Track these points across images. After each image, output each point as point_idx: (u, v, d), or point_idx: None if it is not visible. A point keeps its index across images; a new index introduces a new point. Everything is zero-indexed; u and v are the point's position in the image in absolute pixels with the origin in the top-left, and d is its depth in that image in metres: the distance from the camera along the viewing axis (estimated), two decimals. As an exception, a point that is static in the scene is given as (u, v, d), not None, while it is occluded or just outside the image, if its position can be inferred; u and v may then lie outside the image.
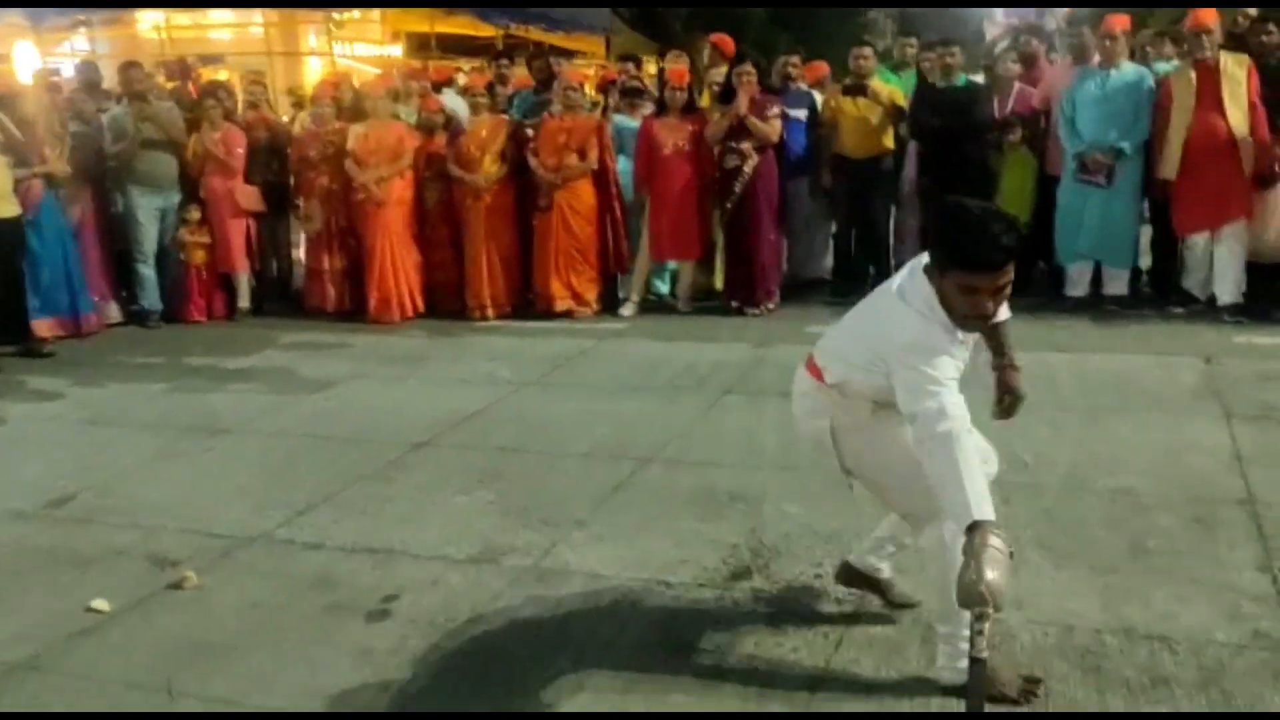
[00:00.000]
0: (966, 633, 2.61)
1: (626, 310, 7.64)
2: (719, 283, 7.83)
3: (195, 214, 7.92)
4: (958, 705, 2.58)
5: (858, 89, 7.46)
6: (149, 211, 7.81)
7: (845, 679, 2.79)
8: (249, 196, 8.00)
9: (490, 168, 7.56)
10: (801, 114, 7.72)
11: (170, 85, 9.01)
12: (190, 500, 4.31)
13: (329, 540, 3.85)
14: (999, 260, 2.47)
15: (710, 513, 3.93)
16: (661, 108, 7.63)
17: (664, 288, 8.05)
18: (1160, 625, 2.95)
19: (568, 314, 7.56)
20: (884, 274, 7.71)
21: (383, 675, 2.93)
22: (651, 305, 7.78)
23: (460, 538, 3.80)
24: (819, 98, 7.92)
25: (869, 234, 7.74)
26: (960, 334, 2.61)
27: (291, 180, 8.24)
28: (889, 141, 7.59)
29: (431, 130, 7.88)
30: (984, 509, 2.31)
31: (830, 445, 2.82)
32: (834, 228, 8.02)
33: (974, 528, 2.28)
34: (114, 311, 7.98)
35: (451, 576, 3.52)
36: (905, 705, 2.68)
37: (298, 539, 3.89)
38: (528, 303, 7.72)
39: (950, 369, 2.55)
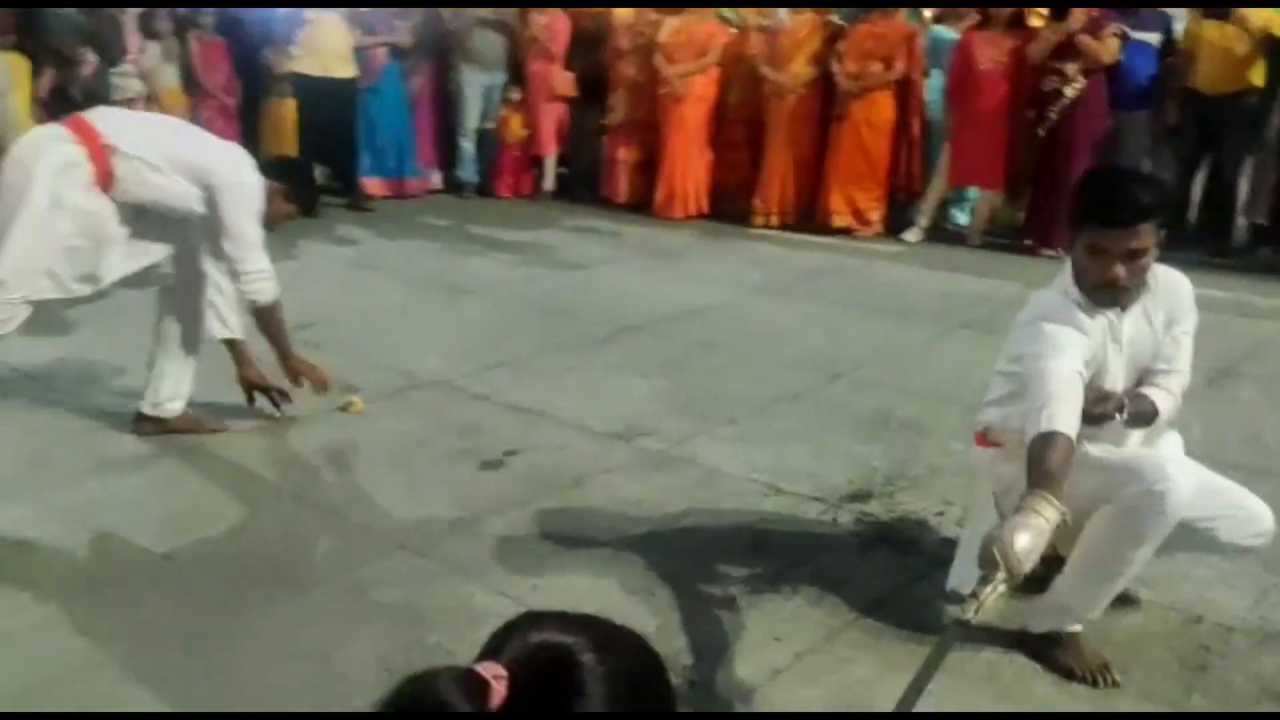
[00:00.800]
0: (1071, 604, 2.31)
1: (910, 235, 7.19)
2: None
3: (516, 95, 8.34)
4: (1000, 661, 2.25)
5: (1220, 11, 6.44)
6: (475, 88, 8.32)
7: (894, 621, 2.52)
8: (564, 82, 8.30)
9: (800, 69, 7.31)
10: (1152, 38, 6.78)
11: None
12: (403, 343, 4.62)
13: (495, 395, 3.99)
14: (1126, 217, 2.18)
15: (870, 435, 3.67)
16: (986, 20, 7.00)
17: (962, 218, 7.50)
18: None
19: (846, 231, 7.25)
20: (1225, 234, 6.74)
21: (462, 514, 3.02)
22: (942, 234, 7.27)
23: (610, 414, 3.80)
24: (1180, 22, 6.93)
25: (1214, 183, 6.75)
26: (1098, 315, 2.27)
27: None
28: (1257, 78, 6.52)
29: (746, 27, 7.73)
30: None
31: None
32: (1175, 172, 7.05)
33: (1034, 494, 1.97)
34: (435, 179, 8.65)
35: (580, 445, 3.54)
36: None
37: (470, 389, 4.06)
38: (811, 215, 7.46)
39: (1067, 340, 2.21)
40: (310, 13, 7.21)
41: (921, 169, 7.31)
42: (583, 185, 8.54)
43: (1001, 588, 1.89)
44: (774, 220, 7.50)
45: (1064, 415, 2.13)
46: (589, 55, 8.33)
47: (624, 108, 8.06)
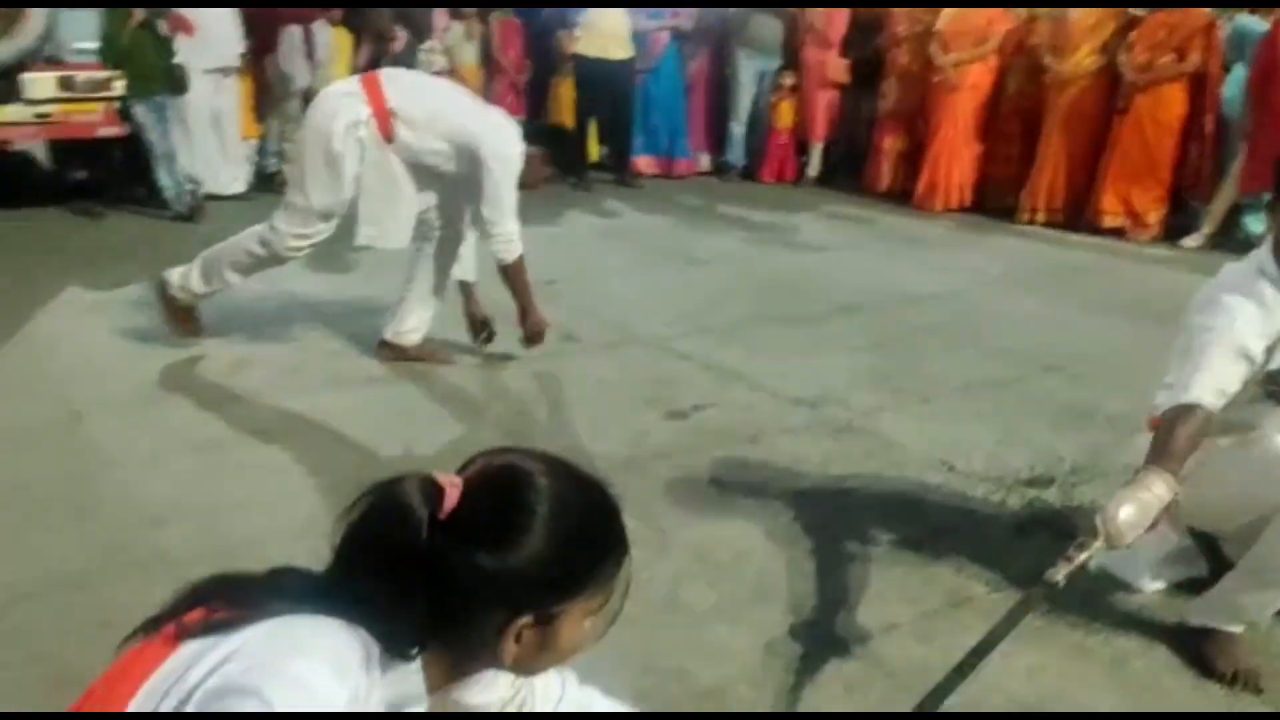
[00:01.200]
0: (1238, 603, 2.20)
1: (1191, 241, 6.69)
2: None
3: (789, 80, 8.45)
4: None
5: None
6: (750, 74, 8.50)
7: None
8: (838, 69, 8.32)
9: (1085, 59, 6.98)
10: None
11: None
12: (630, 303, 4.89)
13: (697, 355, 4.17)
14: None
15: (1068, 426, 3.55)
16: (1301, 12, 6.39)
17: (1256, 226, 6.86)
18: None
19: (1119, 232, 6.85)
20: None
21: (636, 454, 3.22)
22: (1230, 243, 6.70)
23: (806, 382, 3.88)
24: None
25: None
26: None
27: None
28: None
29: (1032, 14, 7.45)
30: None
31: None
32: None
33: (1149, 469, 1.92)
34: (704, 162, 8.91)
35: (765, 406, 3.65)
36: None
37: (675, 348, 4.26)
38: (1082, 213, 7.09)
39: (1244, 316, 2.11)
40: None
41: (1212, 171, 6.76)
42: (846, 173, 8.53)
43: (1095, 556, 1.87)
44: (1041, 217, 7.20)
45: (1207, 388, 2.04)
46: (866, 42, 8.30)
47: (895, 96, 7.98)
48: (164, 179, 6.22)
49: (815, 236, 6.62)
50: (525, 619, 1.08)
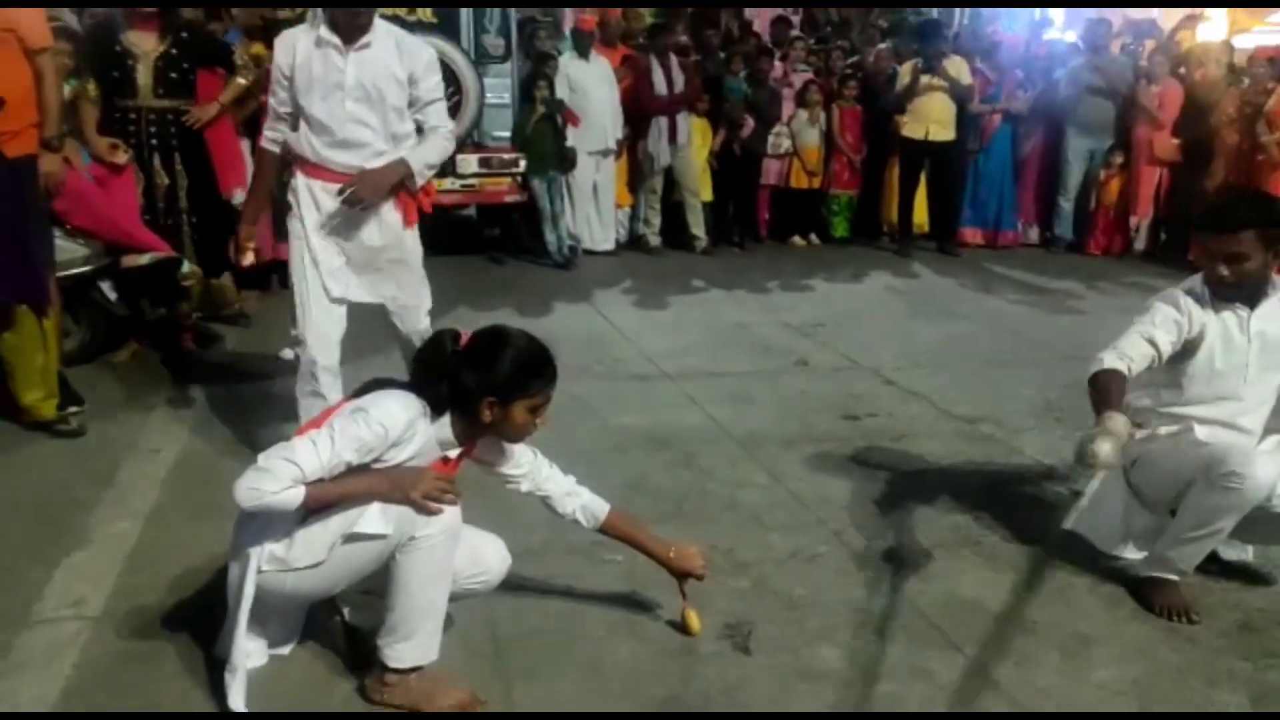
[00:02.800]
0: (1169, 557, 2.93)
1: None
2: None
3: (1118, 158, 8.82)
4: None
5: None
6: (1079, 152, 8.97)
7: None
8: (1168, 147, 8.57)
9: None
10: None
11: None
12: (875, 342, 5.82)
13: (901, 382, 5.05)
14: (1223, 223, 2.81)
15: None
16: None
17: None
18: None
19: None
20: None
21: (797, 437, 4.24)
22: None
23: (978, 409, 4.66)
24: None
25: None
26: (1224, 309, 2.89)
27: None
28: None
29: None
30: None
31: None
32: None
33: (1106, 414, 2.69)
34: (1032, 235, 9.43)
35: (927, 418, 4.52)
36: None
37: (886, 375, 5.17)
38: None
39: (1161, 318, 2.84)
40: (922, 89, 8.55)
41: None
42: (1176, 248, 8.68)
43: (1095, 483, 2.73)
44: None
45: (1115, 358, 2.80)
46: (1198, 123, 8.48)
47: (1222, 173, 8.11)
48: (549, 236, 8.04)
49: (1093, 300, 7.08)
50: (491, 399, 2.30)
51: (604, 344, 5.77)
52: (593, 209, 8.52)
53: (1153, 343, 2.86)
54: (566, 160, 8.06)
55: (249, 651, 2.45)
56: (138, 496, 3.57)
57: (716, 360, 5.47)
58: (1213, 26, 12.35)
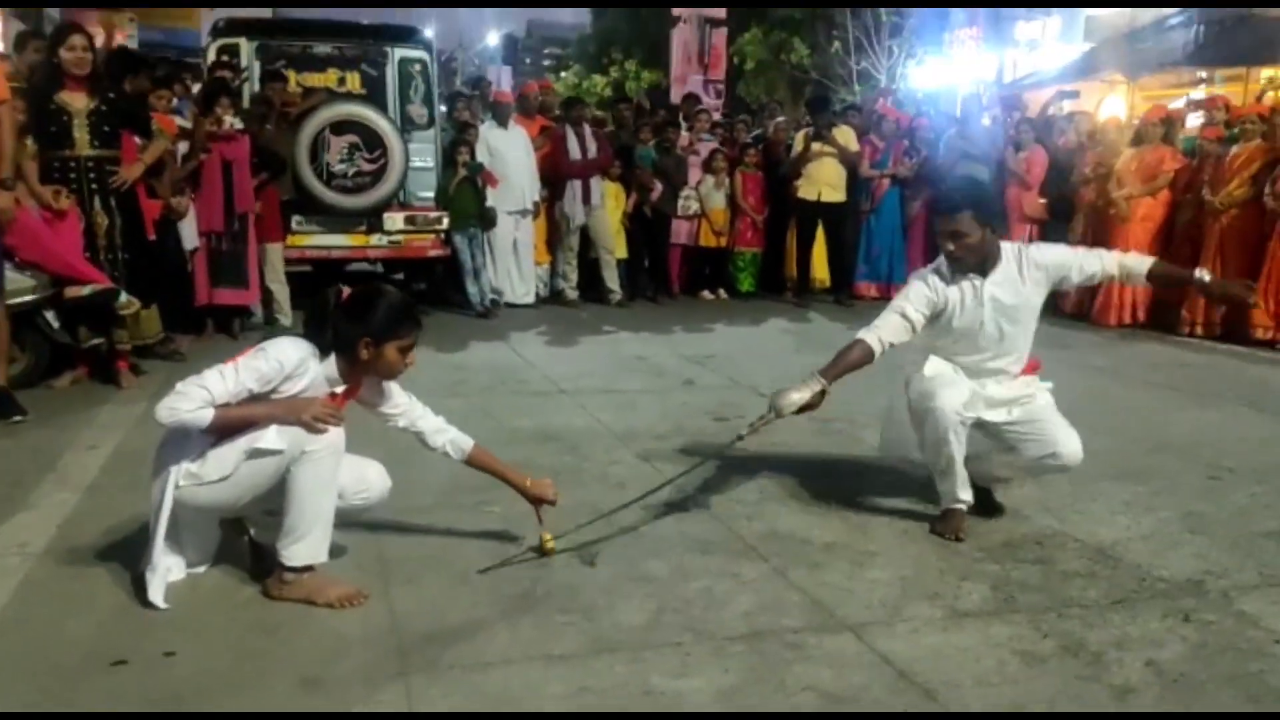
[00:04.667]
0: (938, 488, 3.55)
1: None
2: None
3: (993, 217, 9.67)
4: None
5: None
6: (958, 212, 9.80)
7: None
8: (1036, 207, 9.45)
9: (1235, 191, 7.78)
10: None
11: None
12: (755, 370, 6.46)
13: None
14: (944, 207, 3.55)
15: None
16: None
17: None
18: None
19: (1270, 343, 7.44)
20: None
21: (666, 433, 4.83)
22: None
23: (840, 411, 5.28)
24: None
25: None
26: (961, 280, 3.55)
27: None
28: None
29: (1196, 154, 8.31)
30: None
31: None
32: None
33: (813, 374, 3.41)
34: (922, 287, 10.22)
35: (800, 423, 5.12)
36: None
37: (762, 391, 5.79)
38: (1240, 328, 7.72)
39: (913, 293, 3.52)
40: (813, 154, 9.39)
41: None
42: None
43: (769, 421, 3.33)
44: (1200, 330, 7.90)
45: (867, 332, 3.45)
46: (1062, 182, 9.38)
47: (1081, 229, 8.98)
48: (471, 288, 8.65)
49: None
50: (367, 340, 2.87)
51: (512, 370, 6.36)
52: (513, 264, 9.18)
53: (904, 316, 3.52)
54: (487, 218, 8.72)
55: (169, 565, 2.97)
56: (76, 475, 4.07)
57: (612, 382, 6.08)
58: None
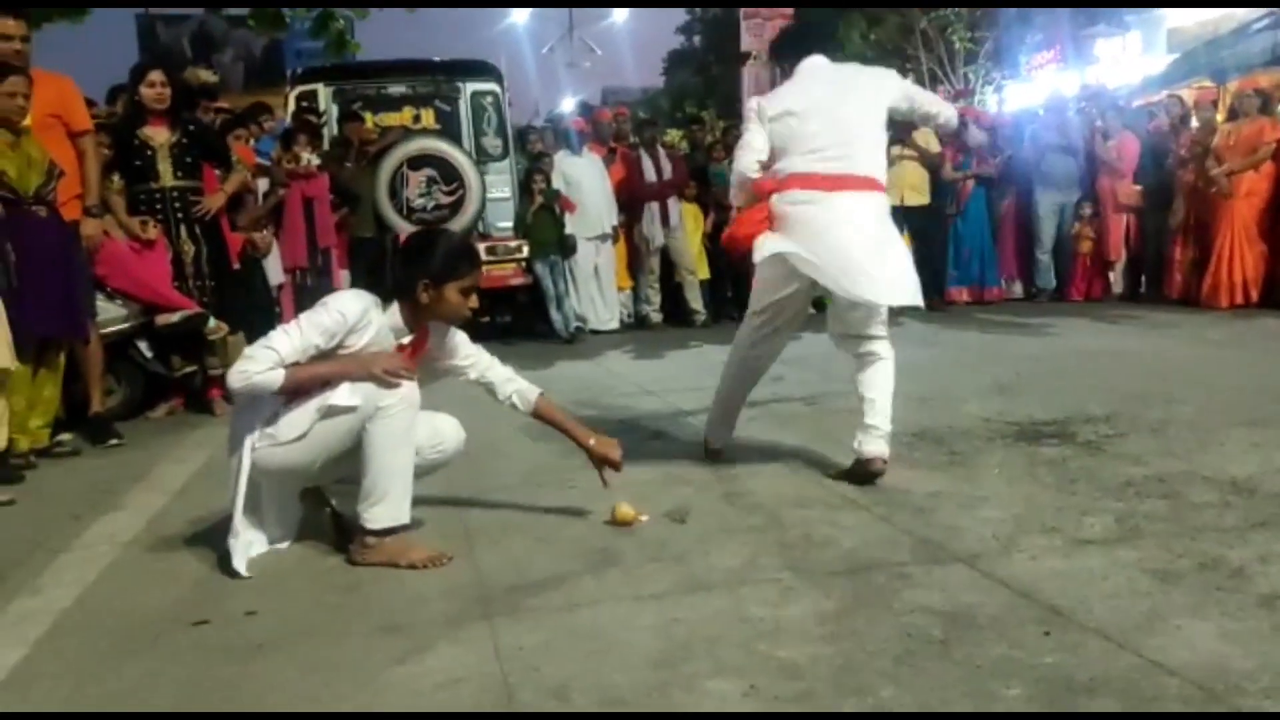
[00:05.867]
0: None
1: None
2: None
3: (1088, 209, 9.35)
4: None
5: None
6: (1049, 207, 9.51)
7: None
8: (1130, 194, 9.10)
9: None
10: None
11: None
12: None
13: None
14: None
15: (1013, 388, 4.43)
16: None
17: None
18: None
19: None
20: None
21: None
22: None
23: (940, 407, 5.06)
24: None
25: None
26: None
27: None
28: None
29: (1301, 122, 7.92)
30: None
31: None
32: None
33: None
34: (1017, 289, 9.90)
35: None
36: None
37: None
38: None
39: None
40: (893, 157, 9.21)
41: None
42: (1151, 285, 9.11)
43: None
44: (1317, 303, 7.45)
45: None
46: (1157, 169, 9.02)
47: (1183, 211, 8.60)
48: (555, 315, 8.63)
49: (1057, 329, 7.48)
50: (426, 282, 2.80)
51: (598, 380, 6.29)
52: (595, 290, 9.13)
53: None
54: (567, 246, 8.71)
55: (251, 539, 2.91)
56: (168, 482, 4.07)
57: (699, 381, 5.90)
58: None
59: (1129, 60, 23.78)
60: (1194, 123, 8.91)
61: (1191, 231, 8.54)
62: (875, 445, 3.39)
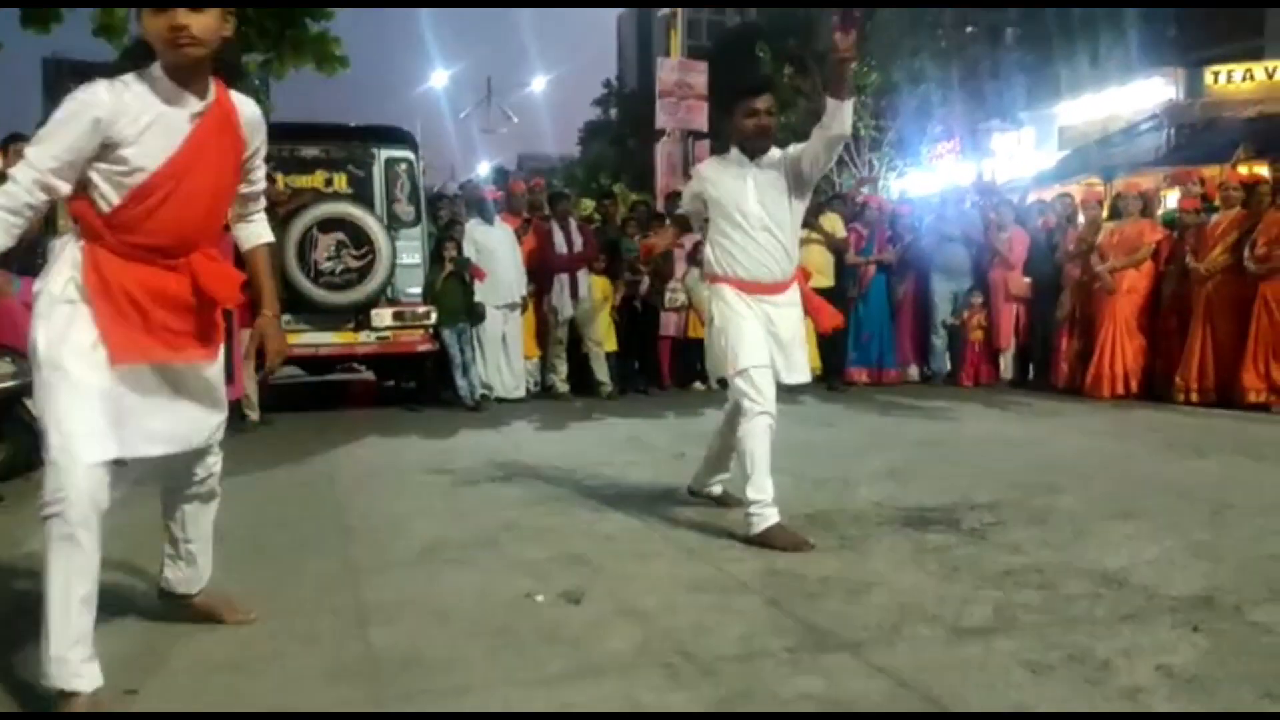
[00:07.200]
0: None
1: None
2: None
3: (978, 298, 9.74)
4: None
5: None
6: (944, 294, 9.88)
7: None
8: (1020, 285, 9.52)
9: (1218, 257, 7.84)
10: None
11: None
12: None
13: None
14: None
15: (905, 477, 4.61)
16: None
17: None
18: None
19: (1264, 406, 7.38)
20: None
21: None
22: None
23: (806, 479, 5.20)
24: None
25: None
26: None
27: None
28: None
29: (1177, 226, 8.42)
30: None
31: None
32: None
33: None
34: (913, 372, 10.22)
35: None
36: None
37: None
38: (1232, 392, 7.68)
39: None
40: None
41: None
42: (1038, 374, 9.50)
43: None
44: (1194, 396, 7.85)
45: None
46: (1044, 262, 9.46)
47: (1069, 304, 9.02)
48: (460, 382, 8.61)
49: (954, 413, 7.75)
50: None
51: (501, 450, 6.27)
52: (503, 359, 9.15)
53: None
54: (475, 313, 8.73)
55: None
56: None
57: (603, 456, 5.99)
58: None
59: (1023, 154, 24.98)
60: (1081, 220, 9.39)
61: (1077, 324, 8.95)
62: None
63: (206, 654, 2.75)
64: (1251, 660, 2.59)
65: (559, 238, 9.21)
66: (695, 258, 9.82)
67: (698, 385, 9.96)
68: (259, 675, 2.59)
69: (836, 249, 9.68)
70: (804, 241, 9.35)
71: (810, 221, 9.39)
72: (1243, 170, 11.42)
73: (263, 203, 2.94)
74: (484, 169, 61.27)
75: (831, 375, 9.81)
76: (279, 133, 8.94)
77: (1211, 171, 12.19)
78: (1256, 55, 21.97)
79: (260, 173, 2.83)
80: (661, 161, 19.04)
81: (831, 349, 9.78)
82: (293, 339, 8.09)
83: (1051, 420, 7.32)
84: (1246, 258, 7.56)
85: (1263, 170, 9.54)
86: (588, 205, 12.13)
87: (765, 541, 3.72)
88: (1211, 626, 2.82)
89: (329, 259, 8.05)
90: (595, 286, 9.48)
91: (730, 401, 4.06)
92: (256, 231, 2.93)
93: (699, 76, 17.53)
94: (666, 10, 21.20)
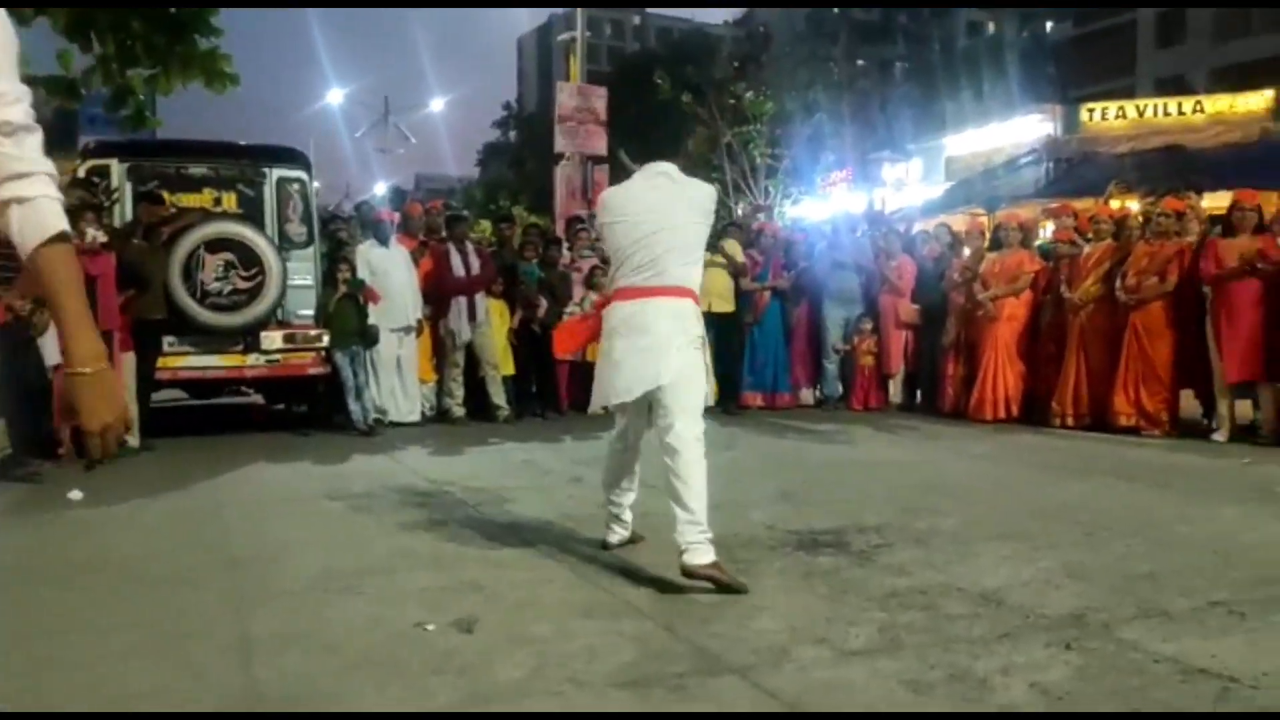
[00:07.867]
0: None
1: (1219, 435, 7.46)
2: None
3: (868, 325, 9.99)
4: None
5: None
6: (835, 319, 10.11)
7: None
8: (909, 312, 9.80)
9: (1091, 287, 8.19)
10: None
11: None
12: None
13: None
14: None
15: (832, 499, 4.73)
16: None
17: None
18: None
19: (1135, 430, 7.72)
20: None
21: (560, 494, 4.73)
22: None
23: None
24: None
25: None
26: None
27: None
28: None
29: (1051, 257, 8.78)
30: None
31: None
32: None
33: None
34: (806, 396, 10.42)
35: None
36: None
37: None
38: (1105, 417, 8.02)
39: None
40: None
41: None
42: (925, 398, 9.79)
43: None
44: (1070, 421, 8.18)
45: None
46: (931, 289, 9.76)
47: (954, 331, 9.31)
48: (353, 406, 8.47)
49: (846, 435, 7.94)
50: None
51: (394, 475, 6.21)
52: (397, 382, 9.03)
53: None
54: (369, 336, 8.61)
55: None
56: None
57: (497, 481, 5.95)
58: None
59: (911, 185, 25.77)
60: (965, 249, 9.72)
61: (962, 350, 9.25)
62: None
63: (90, 689, 2.65)
64: (1119, 677, 2.71)
65: (456, 260, 9.15)
66: (591, 281, 9.90)
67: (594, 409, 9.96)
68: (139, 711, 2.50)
69: (737, 274, 9.82)
70: (707, 265, 9.59)
71: (713, 245, 9.53)
72: (1115, 204, 11.98)
73: (31, 151, 1.65)
74: (381, 189, 60.55)
75: (727, 399, 9.93)
76: (165, 150, 8.90)
77: (1085, 205, 12.74)
78: (1129, 94, 23.13)
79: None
80: (561, 185, 19.08)
81: (727, 373, 9.91)
82: (177, 361, 7.92)
83: (936, 443, 7.55)
84: (1117, 288, 7.92)
85: (1133, 204, 10.02)
86: (486, 227, 12.10)
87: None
88: (1083, 645, 2.95)
89: (217, 279, 7.86)
90: (492, 310, 9.44)
91: None
92: (36, 219, 1.63)
93: (599, 101, 17.64)
94: (566, 35, 21.32)
